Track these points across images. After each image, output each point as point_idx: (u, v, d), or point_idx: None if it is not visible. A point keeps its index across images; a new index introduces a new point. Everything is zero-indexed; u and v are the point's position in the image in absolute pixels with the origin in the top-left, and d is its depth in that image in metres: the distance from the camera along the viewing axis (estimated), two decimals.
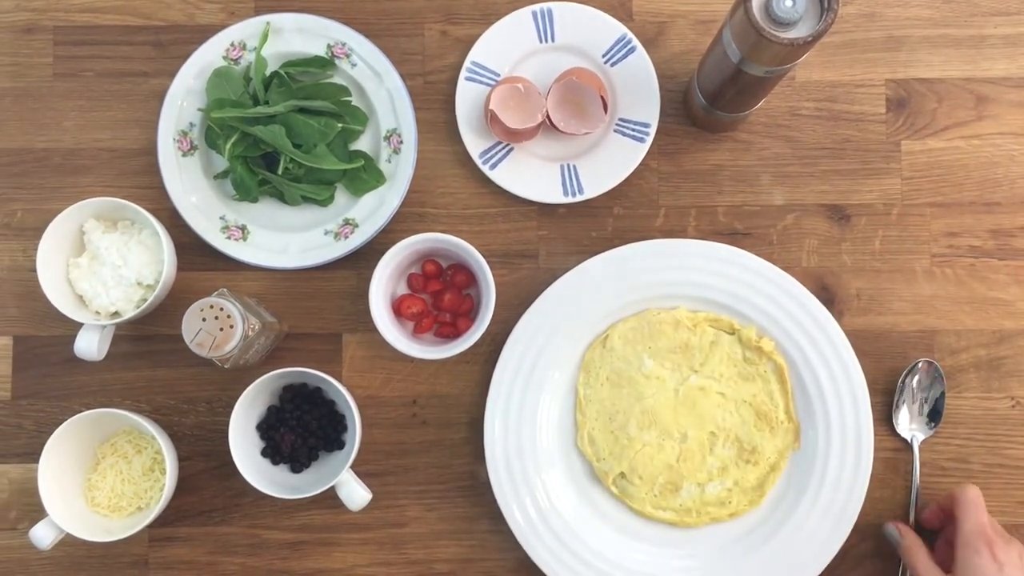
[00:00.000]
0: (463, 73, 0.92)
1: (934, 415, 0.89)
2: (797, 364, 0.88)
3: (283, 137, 0.87)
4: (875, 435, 0.88)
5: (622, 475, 0.89)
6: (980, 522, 0.80)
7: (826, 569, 0.89)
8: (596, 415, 0.90)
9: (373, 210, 0.90)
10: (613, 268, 0.89)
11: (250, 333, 0.81)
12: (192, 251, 0.92)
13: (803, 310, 0.88)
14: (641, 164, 0.91)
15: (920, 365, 0.89)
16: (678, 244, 0.89)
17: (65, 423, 0.83)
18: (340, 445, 0.89)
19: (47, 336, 0.92)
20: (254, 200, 0.91)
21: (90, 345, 0.84)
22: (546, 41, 0.92)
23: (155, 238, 0.87)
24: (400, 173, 0.91)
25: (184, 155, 0.91)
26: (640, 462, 0.89)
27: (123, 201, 0.85)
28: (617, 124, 0.92)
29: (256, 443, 0.88)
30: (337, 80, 0.92)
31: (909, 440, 0.89)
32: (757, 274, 0.88)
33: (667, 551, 0.89)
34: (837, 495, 0.87)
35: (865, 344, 0.90)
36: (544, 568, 0.87)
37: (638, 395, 0.89)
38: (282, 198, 0.91)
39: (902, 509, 0.90)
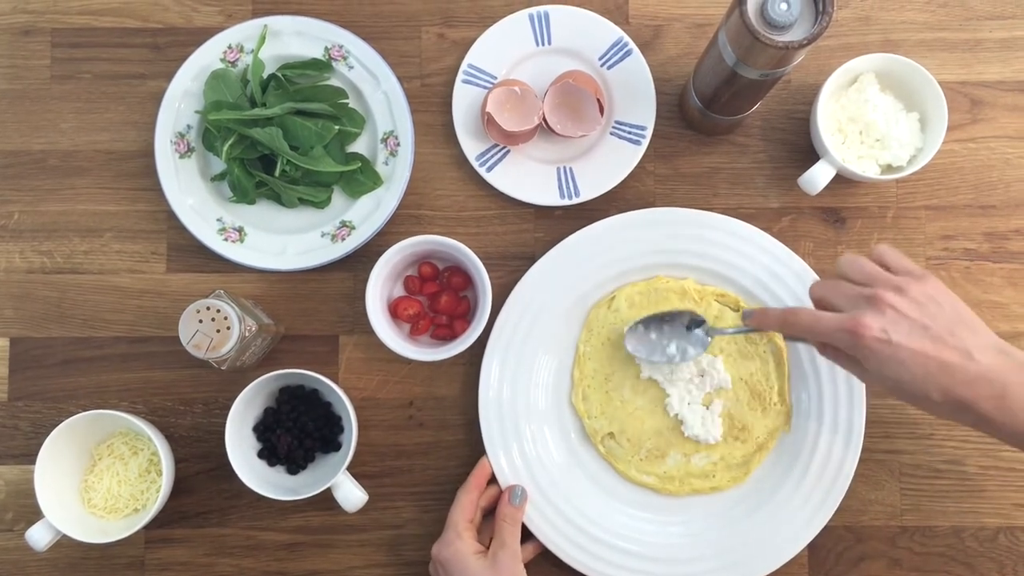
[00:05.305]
0: (460, 76, 0.92)
1: None
2: (798, 348, 0.89)
3: (280, 139, 0.87)
4: (868, 433, 0.88)
5: (611, 435, 0.90)
6: (839, 323, 0.70)
7: (821, 570, 0.89)
8: (593, 373, 0.90)
9: (370, 212, 0.91)
10: (628, 229, 0.90)
11: (247, 335, 0.81)
12: (189, 253, 0.92)
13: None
14: (637, 167, 0.91)
15: None
16: (697, 215, 0.90)
17: (61, 424, 0.83)
18: (336, 447, 0.89)
19: (44, 338, 0.92)
20: (251, 202, 0.91)
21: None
22: (543, 44, 0.92)
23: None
24: (397, 175, 0.91)
25: (181, 157, 0.91)
26: (630, 425, 0.89)
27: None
28: (613, 127, 0.92)
29: (253, 445, 0.88)
30: (334, 83, 0.92)
31: None
32: (770, 255, 0.89)
33: (646, 515, 0.89)
34: (821, 482, 0.87)
35: None
36: (524, 519, 0.87)
37: (636, 359, 0.90)
38: (279, 200, 0.92)
39: (896, 512, 0.91)
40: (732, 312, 0.90)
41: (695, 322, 0.87)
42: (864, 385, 0.88)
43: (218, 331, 0.79)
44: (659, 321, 0.87)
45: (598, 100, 0.88)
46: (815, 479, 0.87)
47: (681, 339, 0.87)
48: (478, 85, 0.92)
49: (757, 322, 0.79)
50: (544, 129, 0.90)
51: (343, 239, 0.90)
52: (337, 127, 0.90)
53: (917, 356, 0.67)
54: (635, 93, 0.91)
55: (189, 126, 0.91)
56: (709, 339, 0.87)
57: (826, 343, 0.73)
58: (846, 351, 0.71)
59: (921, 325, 0.68)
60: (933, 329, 0.68)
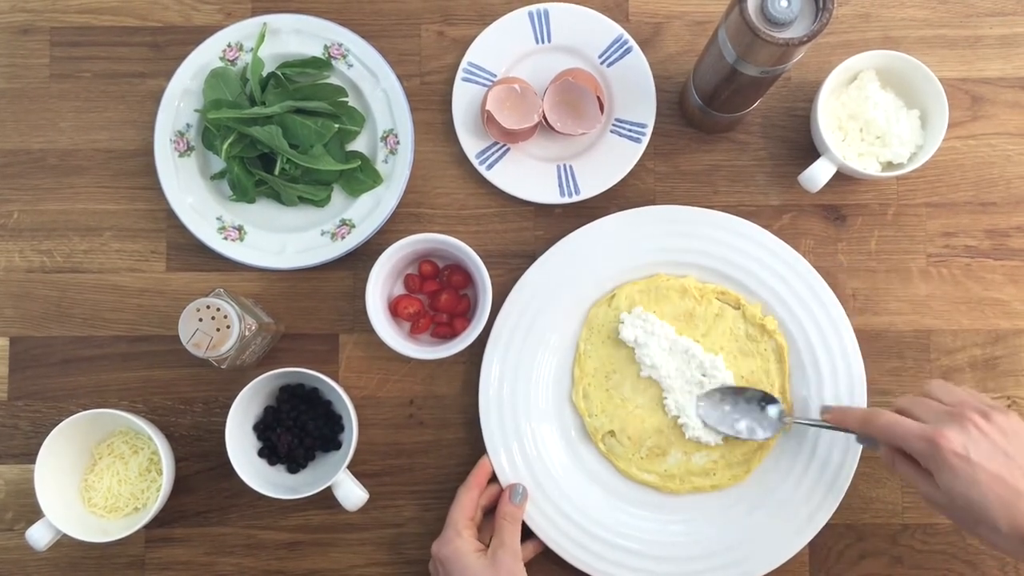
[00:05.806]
0: (460, 74, 0.92)
1: None
2: (799, 347, 0.89)
3: (280, 138, 0.87)
4: None
5: (611, 434, 0.90)
6: (925, 440, 0.71)
7: (822, 568, 0.89)
8: (594, 371, 0.90)
9: (370, 211, 0.90)
10: (629, 227, 0.90)
11: (247, 333, 0.81)
12: (188, 251, 0.92)
13: (811, 293, 0.89)
14: (637, 164, 0.91)
15: None
16: (697, 212, 0.90)
17: (62, 424, 0.83)
18: (337, 445, 0.89)
19: (43, 337, 0.92)
20: (251, 201, 0.91)
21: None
22: (542, 42, 0.92)
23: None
24: (397, 174, 0.91)
25: (181, 156, 0.91)
26: (631, 423, 0.89)
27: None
28: (613, 125, 0.92)
29: (253, 443, 0.88)
30: (334, 81, 0.92)
31: None
32: (771, 252, 0.89)
33: (647, 514, 0.89)
34: (822, 480, 0.87)
35: (862, 344, 0.89)
36: (524, 518, 0.87)
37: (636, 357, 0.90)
38: (279, 199, 0.92)
39: (897, 509, 0.91)
40: (732, 310, 0.90)
41: (769, 402, 0.87)
42: (865, 382, 0.88)
43: (218, 330, 0.79)
44: (735, 394, 0.88)
45: (598, 98, 0.88)
46: (816, 477, 0.87)
47: (753, 418, 0.87)
48: (478, 83, 0.92)
49: (836, 418, 0.81)
50: (544, 127, 0.90)
51: (343, 237, 0.90)
52: (337, 125, 0.89)
53: (994, 479, 0.68)
54: (635, 91, 0.91)
55: (188, 125, 0.91)
56: (781, 425, 0.86)
57: (901, 449, 0.74)
58: (921, 461, 0.72)
59: (1003, 450, 0.69)
60: (1013, 457, 0.69)
